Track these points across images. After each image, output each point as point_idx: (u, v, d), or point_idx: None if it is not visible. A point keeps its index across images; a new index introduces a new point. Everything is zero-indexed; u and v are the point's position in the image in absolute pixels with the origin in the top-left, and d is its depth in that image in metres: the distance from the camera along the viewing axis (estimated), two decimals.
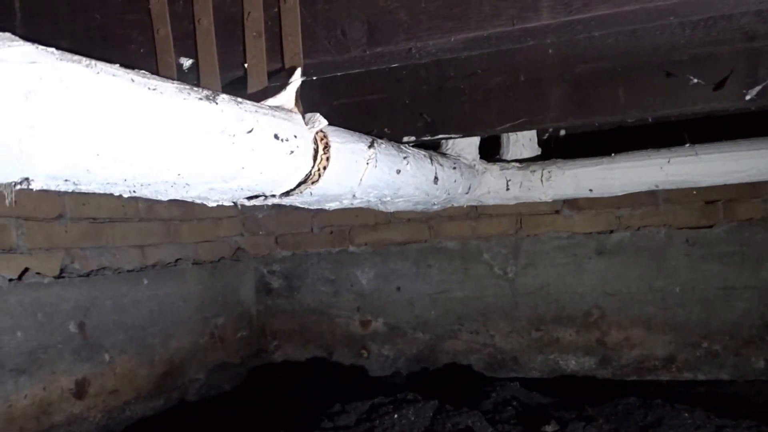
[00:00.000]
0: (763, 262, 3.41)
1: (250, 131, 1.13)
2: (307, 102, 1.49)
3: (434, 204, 2.41)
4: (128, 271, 3.31)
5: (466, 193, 2.57)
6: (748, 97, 1.86)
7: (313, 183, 1.42)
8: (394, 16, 1.30)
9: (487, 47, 1.31)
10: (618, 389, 3.25)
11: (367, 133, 2.04)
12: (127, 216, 3.35)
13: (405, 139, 2.24)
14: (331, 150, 1.42)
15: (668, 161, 2.49)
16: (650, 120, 2.48)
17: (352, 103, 2.25)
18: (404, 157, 1.87)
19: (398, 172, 1.82)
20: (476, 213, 3.87)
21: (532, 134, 2.94)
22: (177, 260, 3.68)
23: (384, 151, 1.73)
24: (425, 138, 2.25)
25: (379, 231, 4.09)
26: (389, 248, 4.08)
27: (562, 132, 3.24)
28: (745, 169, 2.44)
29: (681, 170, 2.50)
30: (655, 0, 1.10)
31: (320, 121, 1.38)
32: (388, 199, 1.96)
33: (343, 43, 1.36)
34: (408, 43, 1.30)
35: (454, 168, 2.36)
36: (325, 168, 1.42)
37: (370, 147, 1.64)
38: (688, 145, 2.50)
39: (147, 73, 0.97)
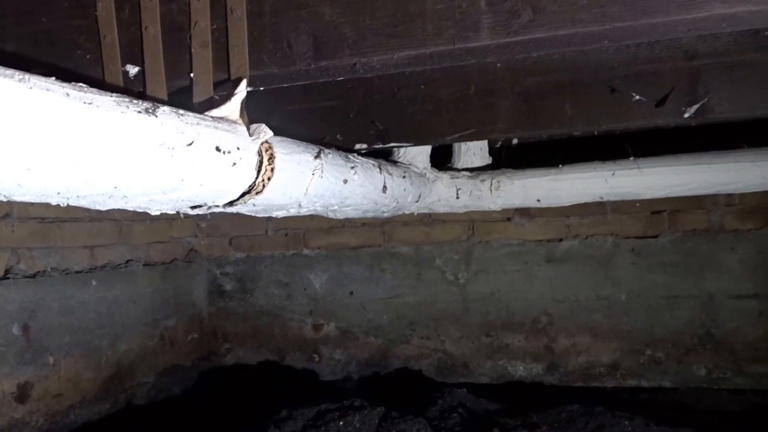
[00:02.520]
0: (706, 272, 3.50)
1: (190, 144, 1.13)
2: (259, 107, 1.49)
3: (384, 212, 2.43)
4: (76, 272, 3.25)
5: (416, 202, 2.59)
6: (686, 115, 1.92)
7: (257, 194, 1.42)
8: (340, 31, 1.32)
9: (430, 64, 1.33)
10: (564, 395, 3.31)
11: (320, 139, 2.06)
12: (77, 216, 3.29)
13: (357, 146, 2.26)
14: (276, 161, 1.43)
15: (613, 174, 2.55)
16: (596, 133, 2.54)
17: (305, 109, 2.26)
18: (352, 167, 1.88)
19: (345, 182, 1.83)
20: (430, 219, 3.91)
21: (483, 143, 2.97)
22: (128, 261, 3.63)
23: (331, 161, 1.74)
24: (377, 146, 2.27)
25: (334, 235, 4.10)
26: (343, 252, 4.09)
27: (515, 141, 3.29)
28: (686, 183, 2.49)
29: (625, 183, 2.56)
30: (590, 25, 1.13)
31: (265, 132, 1.38)
32: (336, 207, 1.97)
33: (289, 56, 1.37)
34: (353, 59, 1.32)
35: (404, 177, 2.38)
36: (269, 179, 1.42)
37: (316, 157, 1.65)
38: (631, 158, 2.56)
39: (84, 86, 0.97)
